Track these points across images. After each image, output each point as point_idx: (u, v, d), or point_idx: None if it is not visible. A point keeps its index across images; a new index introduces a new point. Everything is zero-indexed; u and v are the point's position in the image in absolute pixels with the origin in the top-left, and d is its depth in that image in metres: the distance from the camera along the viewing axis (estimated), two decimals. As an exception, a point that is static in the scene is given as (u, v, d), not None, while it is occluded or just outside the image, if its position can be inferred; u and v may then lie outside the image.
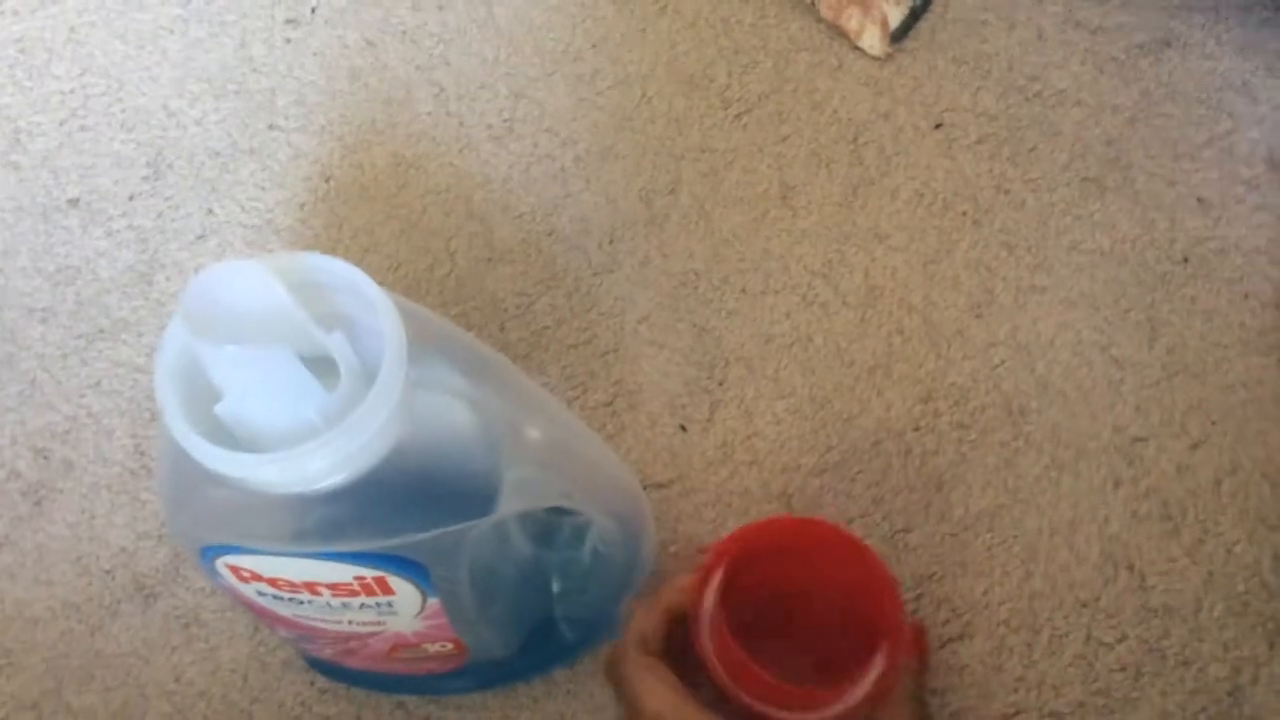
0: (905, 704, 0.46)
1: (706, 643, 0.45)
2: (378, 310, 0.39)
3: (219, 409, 0.38)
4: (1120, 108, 0.66)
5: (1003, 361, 0.60)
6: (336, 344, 0.38)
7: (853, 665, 0.45)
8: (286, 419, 0.38)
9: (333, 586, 0.43)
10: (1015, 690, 0.54)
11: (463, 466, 0.42)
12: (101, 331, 0.64)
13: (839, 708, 0.45)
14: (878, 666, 0.45)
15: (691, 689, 0.45)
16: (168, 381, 0.38)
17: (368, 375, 0.39)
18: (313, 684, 0.56)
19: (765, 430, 0.60)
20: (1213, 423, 0.59)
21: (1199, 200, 0.64)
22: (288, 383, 0.37)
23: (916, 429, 0.59)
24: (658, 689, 0.45)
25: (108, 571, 0.59)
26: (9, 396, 0.62)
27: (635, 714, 0.45)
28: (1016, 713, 0.54)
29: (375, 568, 0.42)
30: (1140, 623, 0.55)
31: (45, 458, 0.61)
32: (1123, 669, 0.54)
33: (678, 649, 0.47)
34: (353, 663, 0.52)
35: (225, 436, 0.38)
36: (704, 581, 0.47)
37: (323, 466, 0.38)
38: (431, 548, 0.42)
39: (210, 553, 0.43)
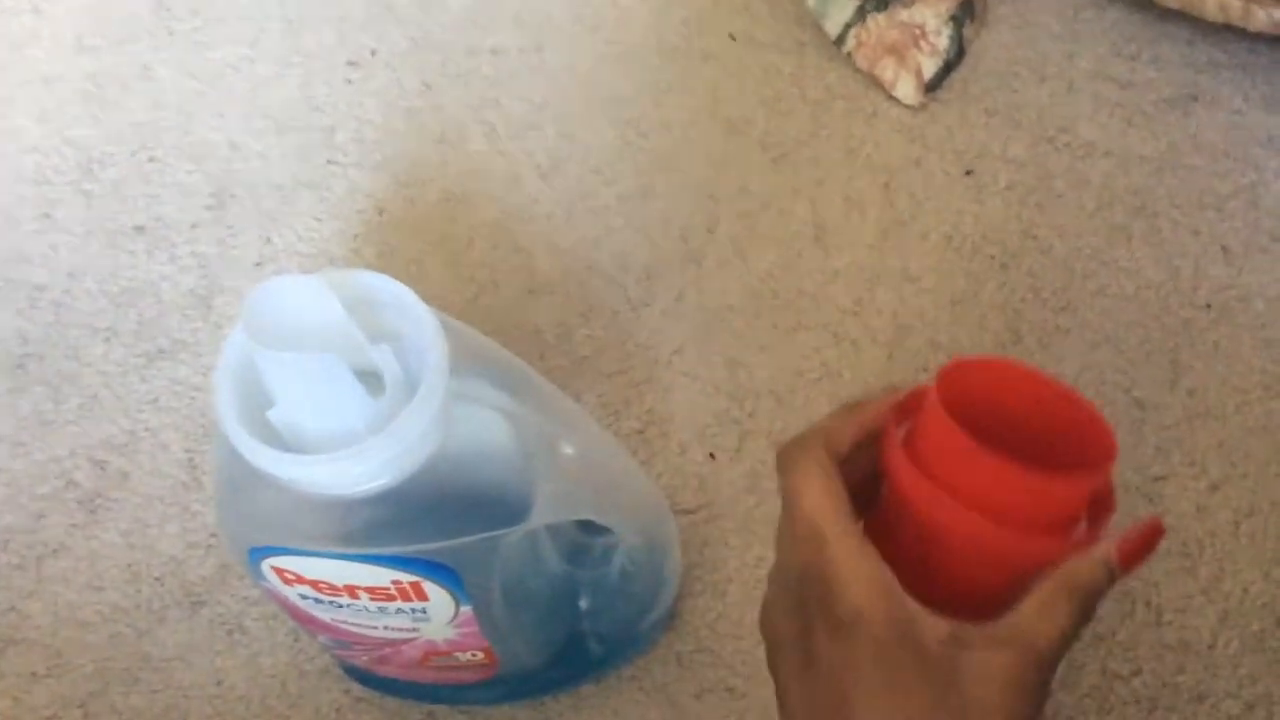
0: (1078, 595, 0.39)
1: (901, 454, 0.40)
2: (422, 325, 0.42)
3: (272, 414, 0.40)
4: (1147, 159, 0.68)
5: (1027, 401, 0.62)
6: (383, 356, 0.41)
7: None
8: (334, 425, 0.40)
9: (371, 590, 0.46)
10: (1031, 721, 0.55)
11: (498, 477, 0.44)
12: (161, 351, 0.67)
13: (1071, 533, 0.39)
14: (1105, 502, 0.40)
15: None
16: (226, 387, 0.41)
17: (411, 387, 0.41)
18: (348, 691, 0.58)
19: (793, 461, 0.61)
20: (1232, 464, 0.60)
21: (1223, 249, 0.65)
22: (336, 390, 0.39)
23: (940, 464, 0.61)
24: (823, 492, 0.39)
25: (157, 579, 0.61)
26: (70, 409, 0.65)
27: (788, 509, 0.40)
28: (1032, 742, 0.55)
29: (412, 572, 0.45)
30: (1156, 658, 0.56)
31: (102, 469, 0.64)
32: (1137, 702, 0.55)
33: (859, 477, 0.41)
34: (386, 670, 0.54)
35: (276, 441, 0.41)
36: (911, 397, 0.42)
37: (366, 470, 0.41)
38: (466, 554, 0.44)
39: (257, 554, 0.45)
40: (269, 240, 0.69)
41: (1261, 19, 0.66)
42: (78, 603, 0.61)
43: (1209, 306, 0.64)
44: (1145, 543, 0.41)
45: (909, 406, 0.41)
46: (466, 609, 0.47)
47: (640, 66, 0.73)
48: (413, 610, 0.47)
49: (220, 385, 0.41)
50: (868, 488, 0.41)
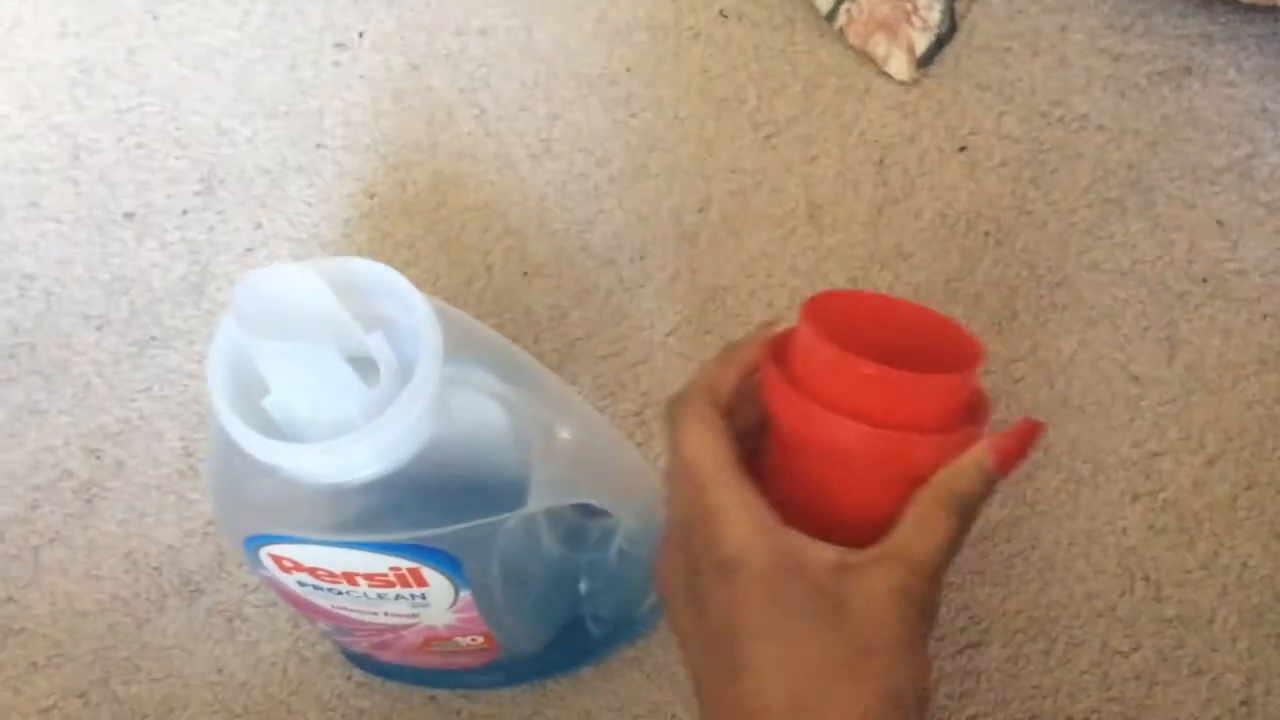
0: (954, 506, 0.39)
1: (776, 378, 0.41)
2: (416, 311, 0.41)
3: (266, 402, 0.40)
4: (1141, 132, 0.68)
5: (1023, 377, 0.62)
6: (376, 343, 0.41)
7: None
8: (328, 413, 0.40)
9: (369, 577, 0.46)
10: (1031, 696, 0.56)
11: (495, 462, 0.44)
12: (154, 339, 0.66)
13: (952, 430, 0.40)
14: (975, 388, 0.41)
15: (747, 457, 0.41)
16: (219, 376, 0.41)
17: (405, 374, 0.41)
18: (349, 678, 0.58)
19: (789, 441, 0.61)
20: (1229, 439, 0.60)
21: (1218, 223, 0.65)
22: (330, 378, 0.39)
23: (937, 441, 0.61)
24: (703, 436, 0.40)
25: (155, 568, 0.61)
26: (64, 399, 0.65)
27: (671, 460, 0.42)
28: (1033, 718, 0.55)
29: (410, 559, 0.44)
30: (1155, 633, 0.56)
31: (97, 458, 0.64)
32: (1137, 677, 0.55)
33: (750, 423, 0.42)
34: (387, 656, 0.54)
35: (272, 430, 0.40)
36: (786, 335, 0.43)
37: (362, 458, 0.40)
38: (464, 540, 0.44)
39: (254, 543, 0.45)
40: (259, 226, 0.69)
41: (1255, -11, 0.66)
42: (76, 592, 0.61)
43: (1205, 280, 0.64)
44: (1021, 443, 0.41)
45: (785, 344, 0.42)
46: (466, 594, 0.47)
47: (630, 45, 0.72)
48: (412, 596, 0.47)
49: (214, 374, 0.41)
50: (761, 433, 0.42)
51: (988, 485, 0.40)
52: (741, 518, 0.39)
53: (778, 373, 0.41)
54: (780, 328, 0.43)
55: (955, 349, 0.42)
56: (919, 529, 0.39)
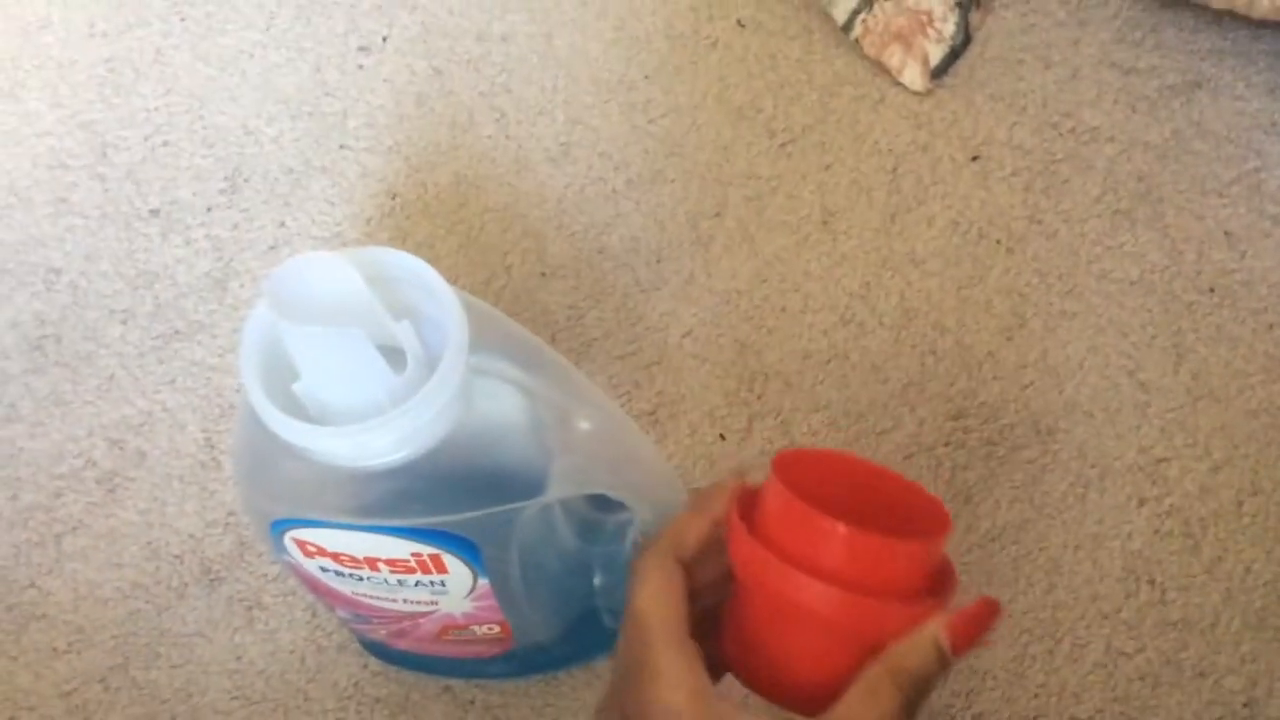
0: (903, 680, 0.38)
1: (741, 530, 0.40)
2: (442, 302, 0.42)
3: (296, 387, 0.41)
4: (1151, 144, 0.69)
5: (1032, 383, 0.63)
6: (404, 331, 0.42)
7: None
8: (356, 398, 0.41)
9: (391, 563, 0.47)
10: (1036, 696, 0.56)
11: (515, 450, 0.45)
12: (178, 333, 0.68)
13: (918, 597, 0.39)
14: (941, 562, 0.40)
15: (703, 616, 0.41)
16: (251, 361, 0.42)
17: (431, 362, 0.42)
18: (365, 666, 0.59)
19: (801, 441, 0.62)
20: (1235, 446, 0.61)
21: (1226, 234, 0.66)
22: (359, 364, 0.40)
23: (947, 444, 0.62)
24: (657, 590, 0.40)
25: (176, 556, 0.62)
26: (88, 390, 0.66)
27: (626, 611, 0.41)
28: (1037, 717, 0.56)
29: (431, 544, 0.45)
30: (1159, 635, 0.57)
31: (120, 448, 0.65)
32: (1141, 679, 0.56)
33: (715, 576, 0.42)
34: (404, 644, 0.55)
35: (300, 415, 0.42)
36: (751, 491, 0.43)
37: (387, 443, 0.41)
38: (483, 526, 0.45)
39: (279, 526, 0.46)
40: (283, 224, 0.70)
41: (1265, 6, 0.67)
42: (97, 580, 0.62)
43: (1212, 290, 0.65)
44: (978, 622, 0.39)
45: (753, 497, 0.42)
46: (484, 582, 0.48)
47: (649, 53, 0.73)
48: (432, 583, 0.48)
49: (246, 358, 0.42)
50: (725, 585, 0.42)
51: (942, 665, 0.38)
52: (675, 682, 0.38)
53: (743, 525, 0.40)
54: (749, 479, 0.43)
55: (922, 516, 0.41)
56: (864, 702, 0.37)
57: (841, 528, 0.38)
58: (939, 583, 0.40)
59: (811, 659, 0.40)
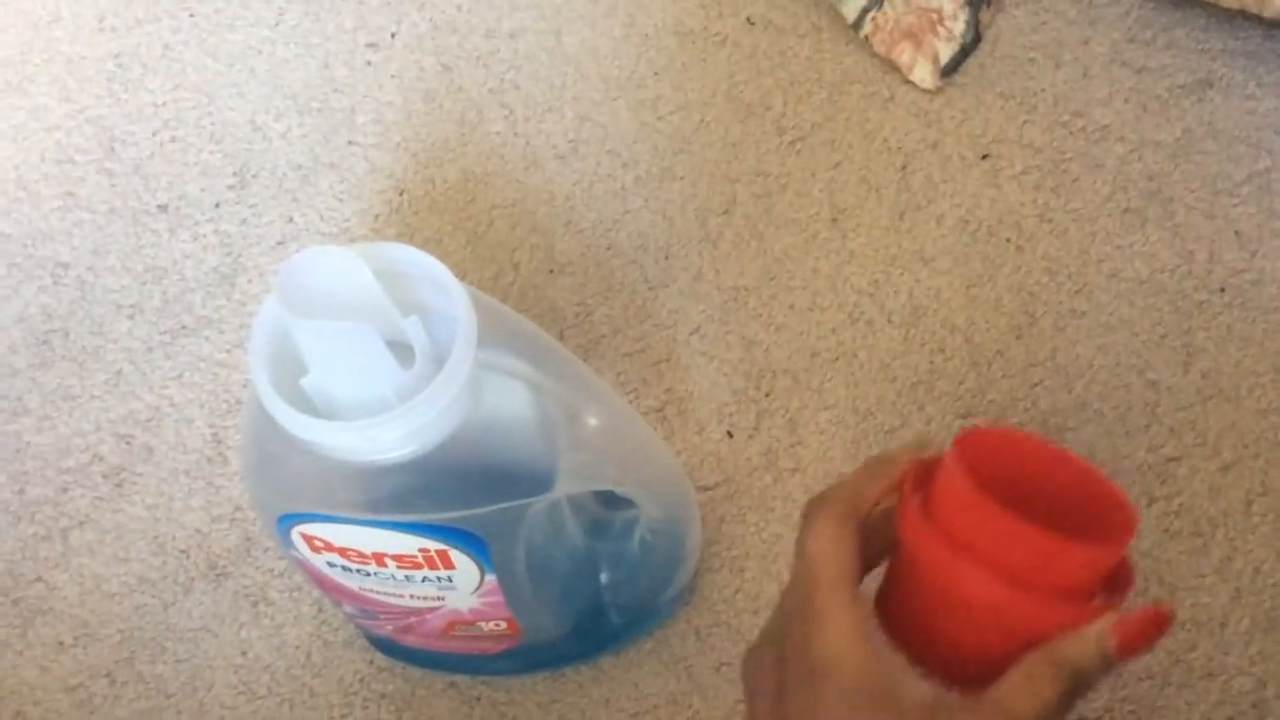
0: (1064, 670, 0.37)
1: (916, 509, 0.39)
2: (452, 297, 0.42)
3: (304, 381, 0.41)
4: (1162, 144, 0.68)
5: (1041, 381, 0.63)
6: (413, 327, 0.42)
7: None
8: (364, 392, 0.41)
9: (398, 558, 0.46)
10: (1044, 696, 0.56)
11: (524, 446, 0.45)
12: (185, 328, 0.67)
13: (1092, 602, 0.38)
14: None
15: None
16: (260, 355, 0.42)
17: (439, 357, 0.42)
18: (371, 662, 0.59)
19: (809, 439, 0.62)
20: (1245, 446, 0.61)
21: (1237, 234, 0.66)
22: (368, 358, 0.40)
23: (955, 443, 0.61)
24: (832, 540, 0.39)
25: (183, 551, 0.62)
26: (96, 385, 0.66)
27: (797, 553, 0.40)
28: (1045, 716, 0.56)
29: (439, 540, 0.45)
30: (1168, 635, 0.57)
31: (127, 443, 0.65)
32: (1150, 678, 0.56)
33: (882, 545, 0.41)
34: (410, 640, 0.55)
35: (309, 409, 0.41)
36: (930, 462, 0.41)
37: (395, 438, 0.41)
38: (491, 522, 0.45)
39: (287, 522, 0.46)
40: (291, 220, 0.70)
41: (1276, 6, 0.66)
42: (104, 574, 0.62)
43: (1223, 290, 0.64)
44: (1146, 630, 0.38)
45: (929, 472, 0.41)
46: (491, 578, 0.48)
47: (658, 50, 0.73)
48: (439, 579, 0.48)
49: (255, 352, 0.42)
50: (884, 554, 0.42)
51: (1105, 664, 0.37)
52: (844, 626, 0.38)
53: (918, 504, 0.39)
54: (929, 452, 0.42)
55: (1107, 511, 0.40)
56: (1022, 687, 0.37)
57: (1020, 527, 0.37)
58: (1114, 581, 0.39)
59: (971, 643, 0.39)
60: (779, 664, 0.39)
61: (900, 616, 0.40)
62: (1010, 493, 0.38)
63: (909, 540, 0.40)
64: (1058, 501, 0.40)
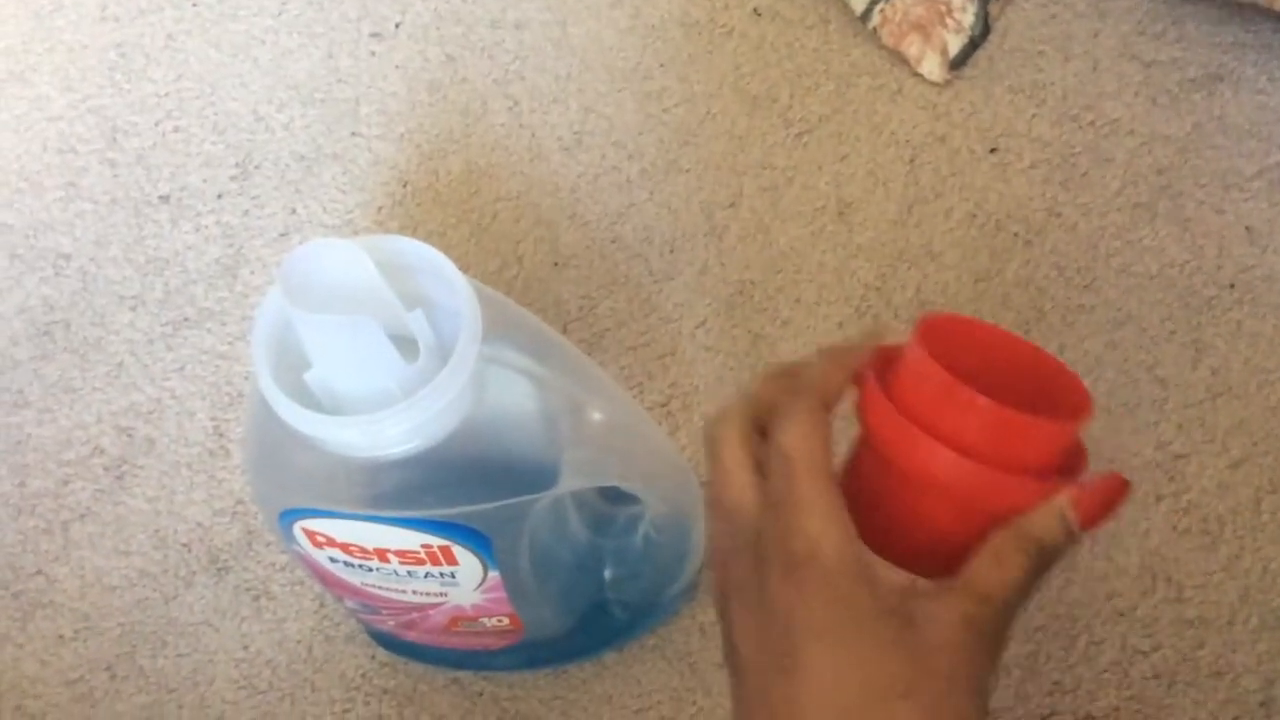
0: (1030, 547, 0.38)
1: (878, 393, 0.40)
2: (456, 291, 0.42)
3: (308, 376, 0.41)
4: (1172, 138, 0.68)
5: (1049, 377, 0.62)
6: (417, 321, 0.41)
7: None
8: (368, 387, 0.41)
9: (401, 554, 0.46)
10: (1051, 694, 0.56)
11: (528, 442, 0.45)
12: (187, 320, 0.67)
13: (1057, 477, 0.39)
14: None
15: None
16: (262, 349, 0.41)
17: (443, 352, 0.41)
18: (373, 657, 0.58)
19: (815, 435, 0.62)
20: (1254, 443, 0.60)
21: (1247, 229, 0.65)
22: (371, 352, 0.40)
23: (962, 439, 0.61)
24: (807, 430, 0.39)
25: (184, 544, 0.62)
26: (97, 377, 0.66)
27: (772, 444, 0.40)
28: (1052, 714, 0.55)
29: (442, 536, 0.45)
30: (1176, 633, 0.56)
31: (129, 435, 0.64)
32: (1157, 677, 0.56)
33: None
34: (412, 636, 0.54)
35: (312, 404, 0.41)
36: (889, 349, 0.42)
37: (399, 433, 0.41)
38: (495, 519, 0.45)
39: (289, 516, 0.45)
40: (294, 211, 0.70)
41: (1289, -2, 0.66)
42: (104, 568, 0.62)
43: (1232, 286, 0.64)
44: (1105, 498, 0.39)
45: (890, 359, 0.41)
46: (494, 574, 0.48)
47: (663, 41, 0.73)
48: (442, 575, 0.47)
49: (258, 346, 0.41)
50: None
51: (1068, 537, 0.39)
52: (824, 512, 0.38)
53: (879, 388, 0.40)
54: (888, 339, 0.42)
55: (1063, 395, 0.41)
56: (992, 564, 0.38)
57: (981, 400, 0.37)
58: (1070, 460, 0.40)
59: (938, 526, 0.40)
60: (757, 564, 0.39)
61: (863, 505, 0.40)
62: (971, 374, 0.39)
63: (872, 424, 0.40)
64: (1017, 385, 0.40)
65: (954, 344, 0.40)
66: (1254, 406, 0.61)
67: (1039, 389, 0.41)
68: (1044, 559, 0.38)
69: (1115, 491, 0.39)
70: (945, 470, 0.38)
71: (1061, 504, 0.38)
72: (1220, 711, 0.55)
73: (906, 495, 0.40)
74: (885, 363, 0.41)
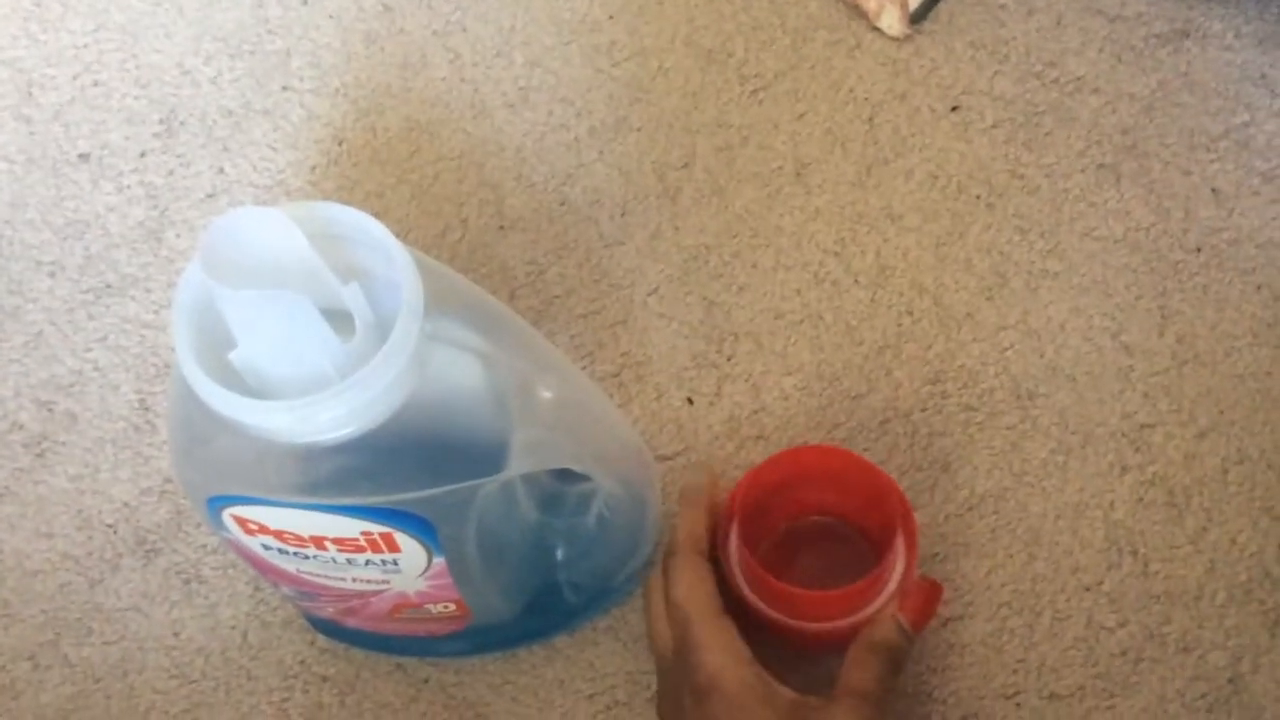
0: (880, 651, 0.48)
1: (734, 565, 0.51)
2: (395, 262, 0.39)
3: (233, 355, 0.38)
4: (1137, 96, 0.66)
5: (1012, 345, 0.60)
6: (352, 295, 0.38)
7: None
8: (300, 368, 0.38)
9: (339, 542, 0.43)
10: (1015, 671, 0.54)
11: (474, 424, 0.42)
12: (109, 287, 0.63)
13: (847, 619, 0.50)
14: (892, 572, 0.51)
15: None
16: (183, 326, 0.38)
17: (382, 329, 0.39)
18: (312, 643, 0.56)
19: (772, 406, 0.59)
20: (1221, 412, 0.59)
21: (1214, 191, 0.64)
22: (302, 330, 0.37)
23: (924, 409, 0.59)
24: (692, 582, 0.48)
25: (109, 526, 0.58)
26: (14, 348, 0.62)
27: (668, 600, 0.49)
28: (1016, 693, 0.54)
29: (383, 523, 0.42)
30: (1142, 608, 0.55)
31: (49, 410, 0.61)
32: (1123, 654, 0.54)
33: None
34: (353, 622, 0.52)
35: (239, 385, 0.38)
36: (729, 509, 0.52)
37: (334, 417, 0.38)
38: (439, 505, 0.42)
39: (217, 503, 0.43)
40: (221, 170, 0.66)
41: (1258, -48, 0.64)
42: (25, 550, 0.58)
43: (1199, 250, 0.62)
44: (925, 604, 0.50)
45: (729, 515, 0.52)
46: (439, 561, 0.45)
47: (613, -8, 0.70)
48: (383, 562, 0.45)
49: (178, 324, 0.38)
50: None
51: (907, 638, 0.49)
52: (718, 649, 0.46)
53: (727, 556, 0.52)
54: (720, 487, 0.53)
55: (887, 493, 0.51)
56: (857, 670, 0.48)
57: (791, 590, 0.49)
58: (905, 533, 0.51)
59: (805, 646, 0.53)
60: (677, 696, 0.47)
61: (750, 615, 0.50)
62: (810, 496, 0.54)
63: (727, 579, 0.51)
64: (850, 494, 0.53)
65: (775, 480, 0.52)
66: (1221, 374, 0.59)
67: (868, 487, 0.51)
68: (894, 657, 0.48)
69: (932, 595, 0.50)
70: (774, 626, 0.50)
71: (892, 612, 0.49)
72: (1187, 689, 0.53)
73: (776, 630, 0.51)
74: (728, 517, 0.52)
